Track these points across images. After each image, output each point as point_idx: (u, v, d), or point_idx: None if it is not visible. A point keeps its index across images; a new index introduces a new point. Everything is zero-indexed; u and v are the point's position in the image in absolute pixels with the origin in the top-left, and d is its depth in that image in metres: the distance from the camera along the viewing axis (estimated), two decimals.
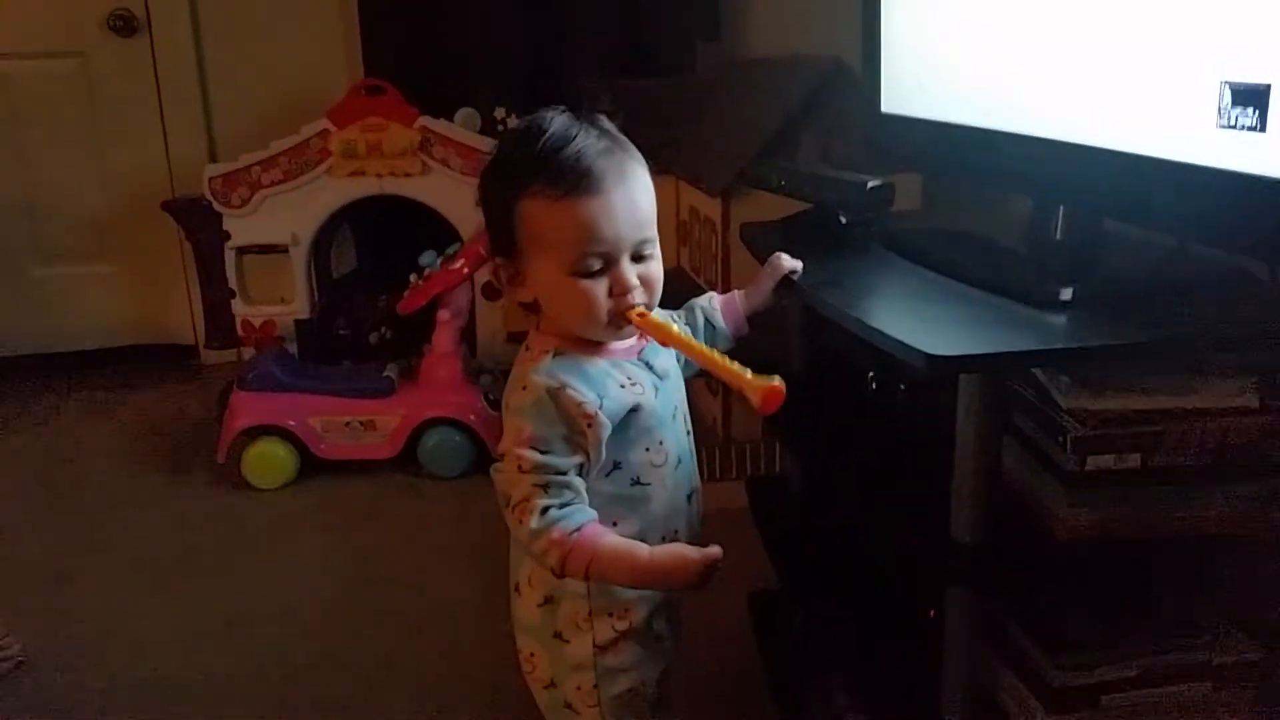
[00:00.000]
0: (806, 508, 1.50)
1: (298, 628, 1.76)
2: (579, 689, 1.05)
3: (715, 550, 0.92)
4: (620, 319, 0.96)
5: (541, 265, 0.96)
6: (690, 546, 0.94)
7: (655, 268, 0.99)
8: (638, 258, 0.97)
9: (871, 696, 1.15)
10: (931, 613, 1.06)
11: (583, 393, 0.95)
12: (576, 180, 0.92)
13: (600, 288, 0.95)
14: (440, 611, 1.79)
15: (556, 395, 0.94)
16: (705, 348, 0.98)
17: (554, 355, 0.97)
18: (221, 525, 2.15)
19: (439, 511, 2.18)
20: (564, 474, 0.94)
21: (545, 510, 0.92)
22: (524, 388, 0.96)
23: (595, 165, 0.93)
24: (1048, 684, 0.99)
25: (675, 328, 1.01)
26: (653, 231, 0.98)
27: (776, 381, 0.91)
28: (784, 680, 1.49)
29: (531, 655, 1.08)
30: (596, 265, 0.94)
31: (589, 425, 0.94)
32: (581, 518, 0.93)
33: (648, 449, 1.00)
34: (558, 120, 0.96)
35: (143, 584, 1.92)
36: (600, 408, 0.95)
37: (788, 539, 1.45)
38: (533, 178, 0.94)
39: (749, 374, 0.92)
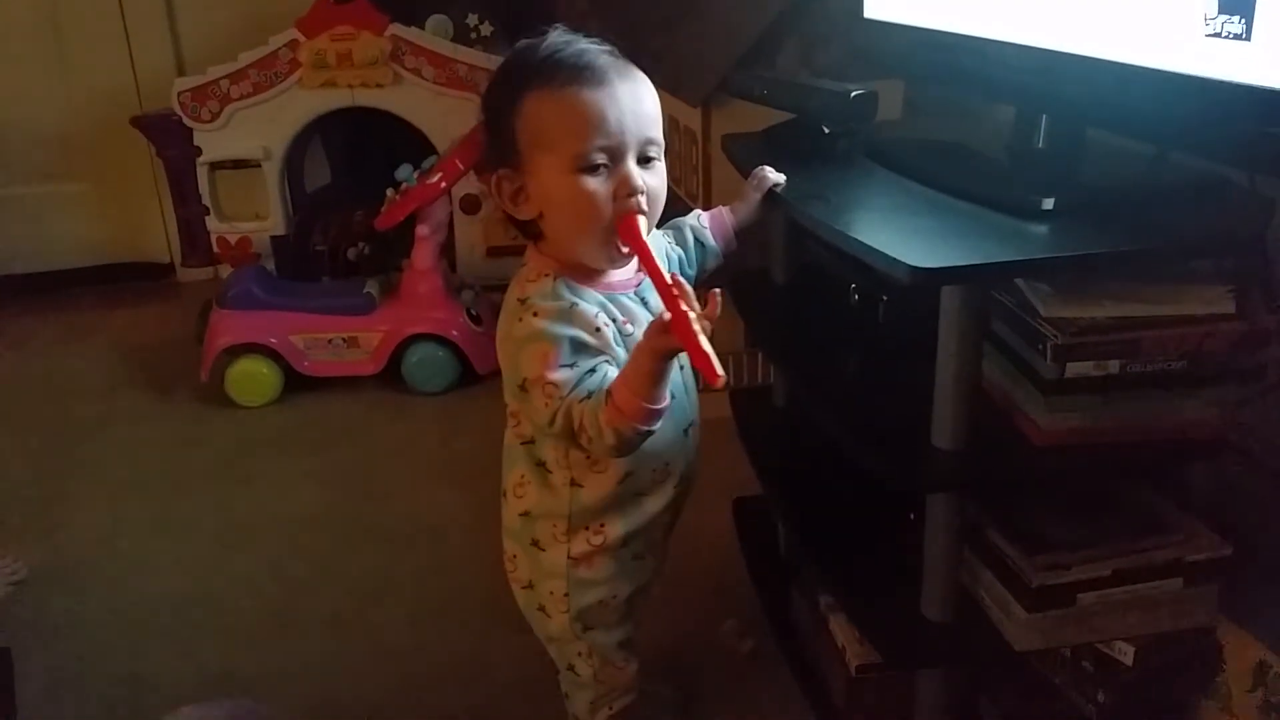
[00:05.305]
0: (790, 417, 1.53)
1: (290, 543, 1.78)
2: (551, 594, 1.08)
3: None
4: (619, 227, 0.93)
5: (544, 166, 0.94)
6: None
7: (660, 179, 0.96)
8: (644, 160, 0.95)
9: (854, 597, 1.18)
10: (913, 516, 1.09)
11: (590, 309, 0.95)
12: (579, 71, 0.92)
13: (605, 186, 0.93)
14: (429, 525, 1.81)
15: (570, 313, 0.94)
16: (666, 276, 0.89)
17: (555, 278, 0.96)
18: (208, 443, 2.15)
19: (424, 427, 2.19)
20: (594, 371, 0.93)
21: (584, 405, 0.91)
22: (535, 314, 0.94)
23: (598, 61, 0.93)
24: (1026, 583, 1.02)
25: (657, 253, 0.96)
26: (659, 133, 0.96)
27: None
28: (769, 583, 1.53)
29: (514, 557, 1.11)
30: (601, 159, 0.92)
31: (602, 330, 0.94)
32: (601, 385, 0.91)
33: None
34: (558, 30, 0.96)
35: (134, 503, 1.93)
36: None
37: (771, 447, 1.48)
38: (535, 77, 0.93)
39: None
